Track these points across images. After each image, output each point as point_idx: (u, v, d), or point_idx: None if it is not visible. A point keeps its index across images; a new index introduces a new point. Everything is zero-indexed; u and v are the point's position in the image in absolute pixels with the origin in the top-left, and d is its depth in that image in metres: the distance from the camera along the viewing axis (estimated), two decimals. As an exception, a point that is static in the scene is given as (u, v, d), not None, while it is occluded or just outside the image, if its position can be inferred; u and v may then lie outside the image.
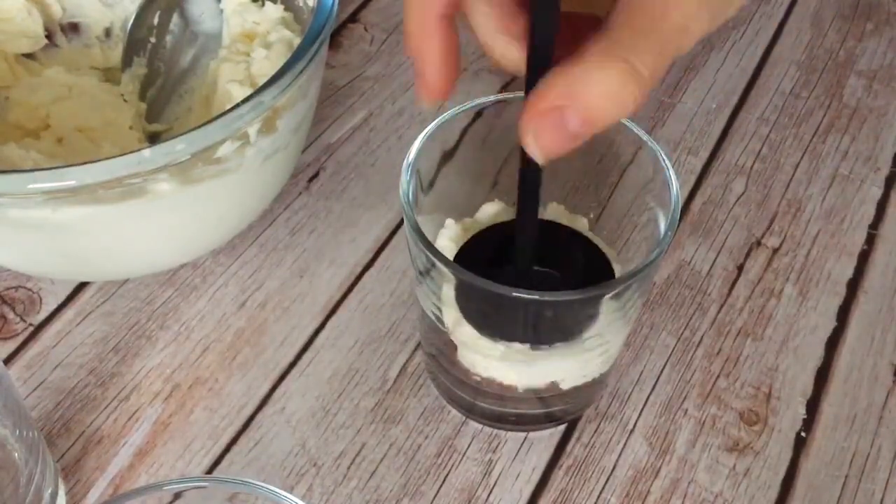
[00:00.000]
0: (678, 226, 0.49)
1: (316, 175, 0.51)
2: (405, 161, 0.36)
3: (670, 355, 0.44)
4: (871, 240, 0.49)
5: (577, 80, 0.26)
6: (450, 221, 0.40)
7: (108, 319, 0.45)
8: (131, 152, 0.35)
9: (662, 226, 0.36)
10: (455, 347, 0.38)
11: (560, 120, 0.26)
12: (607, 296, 0.34)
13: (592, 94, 0.26)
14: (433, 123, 0.37)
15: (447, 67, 0.30)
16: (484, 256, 0.38)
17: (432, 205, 0.39)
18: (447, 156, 0.39)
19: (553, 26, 0.28)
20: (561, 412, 0.40)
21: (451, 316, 0.37)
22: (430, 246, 0.34)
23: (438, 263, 0.34)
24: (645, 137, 0.37)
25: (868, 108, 0.55)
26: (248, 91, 0.41)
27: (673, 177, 0.36)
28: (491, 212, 0.41)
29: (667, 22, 0.26)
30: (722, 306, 0.46)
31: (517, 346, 0.36)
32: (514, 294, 0.33)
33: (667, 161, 0.36)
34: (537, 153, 0.28)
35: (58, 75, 0.46)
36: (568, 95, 0.26)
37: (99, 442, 0.41)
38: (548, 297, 0.33)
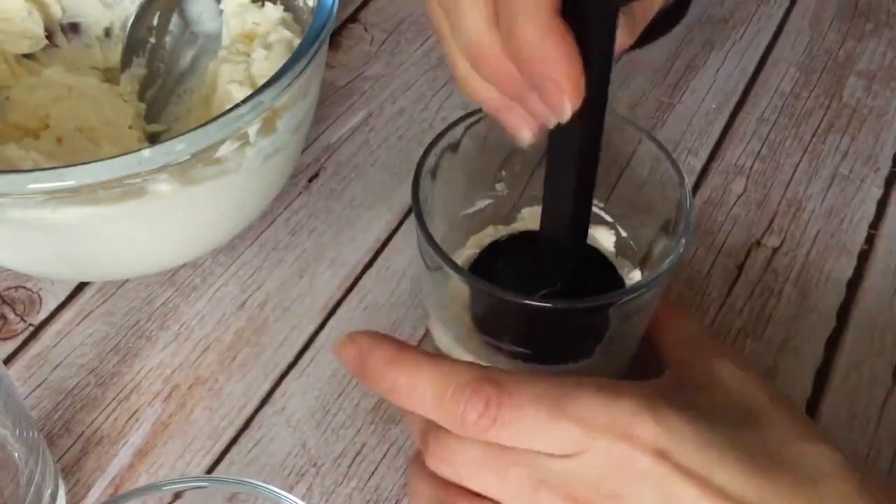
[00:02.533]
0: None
1: (316, 175, 0.51)
2: (421, 174, 0.35)
3: (670, 355, 0.44)
4: (870, 240, 0.49)
5: None
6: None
7: (108, 319, 0.45)
8: (131, 152, 0.35)
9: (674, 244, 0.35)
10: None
11: None
12: (617, 304, 0.34)
13: None
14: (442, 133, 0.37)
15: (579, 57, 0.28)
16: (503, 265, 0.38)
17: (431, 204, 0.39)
18: (451, 149, 0.39)
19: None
20: None
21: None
22: (449, 260, 0.33)
23: (451, 272, 0.33)
24: (666, 159, 0.36)
25: (868, 108, 0.55)
26: (248, 91, 0.41)
27: (689, 198, 0.35)
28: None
29: None
30: (721, 306, 0.46)
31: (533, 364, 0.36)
32: (527, 302, 0.32)
33: (687, 189, 0.35)
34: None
35: (58, 75, 0.46)
36: None
37: (99, 442, 0.41)
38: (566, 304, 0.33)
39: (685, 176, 0.36)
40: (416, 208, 0.34)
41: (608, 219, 0.40)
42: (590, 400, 0.29)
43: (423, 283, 0.38)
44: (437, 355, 0.31)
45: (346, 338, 0.32)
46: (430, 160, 0.36)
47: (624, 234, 0.40)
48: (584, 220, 0.34)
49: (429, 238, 0.34)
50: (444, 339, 0.38)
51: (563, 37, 0.27)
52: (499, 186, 0.40)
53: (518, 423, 0.29)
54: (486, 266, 0.39)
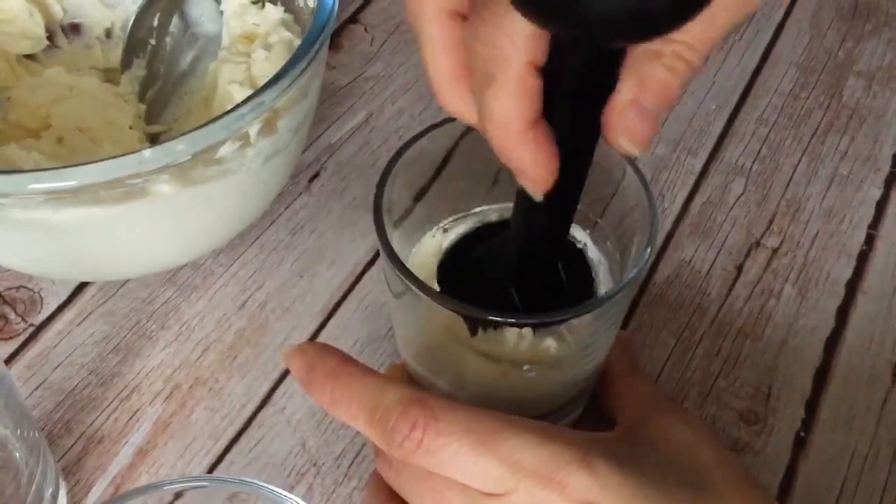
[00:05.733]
0: (678, 225, 0.49)
1: (316, 175, 0.51)
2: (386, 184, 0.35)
3: (670, 355, 0.44)
4: (870, 240, 0.49)
5: (638, 73, 0.26)
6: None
7: (108, 319, 0.45)
8: (132, 153, 0.35)
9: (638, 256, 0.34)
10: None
11: (638, 108, 0.26)
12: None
13: (654, 80, 0.26)
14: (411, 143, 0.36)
15: (553, 157, 0.27)
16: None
17: (427, 209, 0.39)
18: (448, 156, 0.39)
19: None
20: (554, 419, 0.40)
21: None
22: (405, 270, 0.33)
23: (415, 288, 0.33)
24: (629, 168, 0.36)
25: (867, 109, 0.55)
26: (249, 92, 0.41)
27: (652, 211, 0.34)
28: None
29: None
30: (721, 306, 0.46)
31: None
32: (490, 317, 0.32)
33: (649, 195, 0.35)
34: (637, 148, 0.27)
35: (58, 76, 0.46)
36: (634, 88, 0.26)
37: (100, 442, 0.41)
38: (519, 318, 0.33)
39: (649, 185, 0.35)
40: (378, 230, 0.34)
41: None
42: (520, 441, 0.28)
43: (392, 314, 0.38)
44: (374, 372, 0.31)
45: (296, 347, 0.32)
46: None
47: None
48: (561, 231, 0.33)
49: (397, 264, 0.33)
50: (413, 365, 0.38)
51: (536, 148, 0.26)
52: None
53: (443, 451, 0.28)
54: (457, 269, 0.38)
